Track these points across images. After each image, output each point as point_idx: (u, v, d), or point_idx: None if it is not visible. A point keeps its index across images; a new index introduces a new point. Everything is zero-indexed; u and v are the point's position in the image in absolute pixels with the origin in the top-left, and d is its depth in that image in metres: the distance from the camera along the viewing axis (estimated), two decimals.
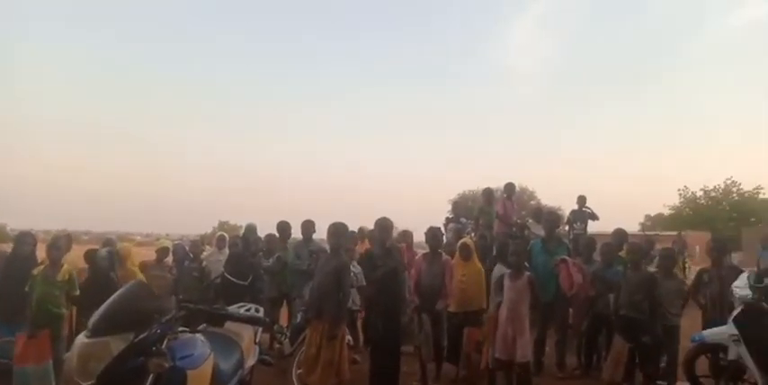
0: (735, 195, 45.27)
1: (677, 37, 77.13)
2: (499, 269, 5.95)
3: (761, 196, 44.96)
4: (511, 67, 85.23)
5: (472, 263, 6.15)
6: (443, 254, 6.25)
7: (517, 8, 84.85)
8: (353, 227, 7.80)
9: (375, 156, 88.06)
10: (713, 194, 45.86)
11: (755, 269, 5.95)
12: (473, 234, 8.82)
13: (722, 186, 45.49)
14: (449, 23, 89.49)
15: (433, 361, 5.97)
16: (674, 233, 19.44)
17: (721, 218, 42.23)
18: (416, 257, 6.63)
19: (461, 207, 15.52)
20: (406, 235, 7.49)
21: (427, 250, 6.35)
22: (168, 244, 7.97)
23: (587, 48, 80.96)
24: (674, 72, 75.47)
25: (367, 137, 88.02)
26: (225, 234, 8.73)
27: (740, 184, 44.91)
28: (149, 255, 8.06)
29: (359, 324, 6.96)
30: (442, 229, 8.05)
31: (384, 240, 5.54)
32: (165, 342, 2.79)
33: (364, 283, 6.83)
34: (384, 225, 5.53)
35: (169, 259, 7.67)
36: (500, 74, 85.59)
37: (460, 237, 7.01)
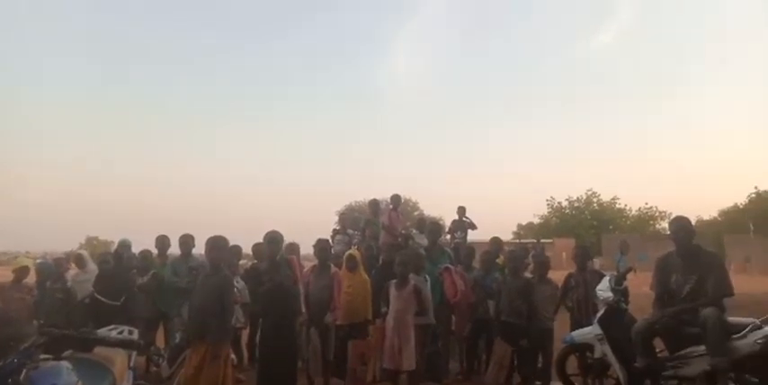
0: (595, 205, 49.70)
1: (542, 57, 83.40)
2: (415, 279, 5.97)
3: (617, 206, 49.73)
4: (394, 81, 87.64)
5: (358, 274, 6.18)
6: (332, 266, 6.23)
7: (392, 27, 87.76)
8: (238, 240, 7.56)
9: (261, 168, 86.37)
10: (576, 204, 50.01)
11: (615, 272, 6.50)
12: (360, 245, 8.87)
13: (584, 197, 49.76)
14: (323, 36, 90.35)
15: (321, 376, 5.90)
16: (549, 240, 20.85)
17: (584, 226, 46.09)
18: (304, 270, 6.55)
19: (348, 218, 15.59)
20: (293, 248, 7.38)
21: (315, 262, 6.30)
22: (28, 262, 7.24)
23: (461, 65, 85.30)
24: (540, 89, 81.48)
25: (252, 149, 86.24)
26: (83, 252, 8.11)
27: (599, 195, 49.45)
28: (5, 275, 7.28)
29: (242, 342, 6.73)
30: (330, 241, 8.02)
31: (273, 254, 5.42)
32: (23, 372, 2.51)
33: (248, 300, 6.62)
34: (273, 238, 5.41)
35: (30, 279, 6.97)
36: (383, 88, 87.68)
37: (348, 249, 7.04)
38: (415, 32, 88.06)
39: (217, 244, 5.01)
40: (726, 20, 76.03)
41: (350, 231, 9.80)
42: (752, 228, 36.96)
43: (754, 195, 42.42)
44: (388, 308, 5.62)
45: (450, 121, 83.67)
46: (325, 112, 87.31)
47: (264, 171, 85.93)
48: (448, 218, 15.11)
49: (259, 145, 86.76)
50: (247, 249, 7.94)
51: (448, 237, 10.46)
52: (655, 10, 79.22)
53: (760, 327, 4.53)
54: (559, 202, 50.54)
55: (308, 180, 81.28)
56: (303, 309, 5.69)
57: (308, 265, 6.82)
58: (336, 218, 12.16)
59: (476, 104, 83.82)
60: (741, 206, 43.55)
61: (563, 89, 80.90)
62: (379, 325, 5.68)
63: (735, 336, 4.52)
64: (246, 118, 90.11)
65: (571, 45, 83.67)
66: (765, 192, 41.82)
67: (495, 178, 79.35)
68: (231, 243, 5.95)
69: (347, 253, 6.51)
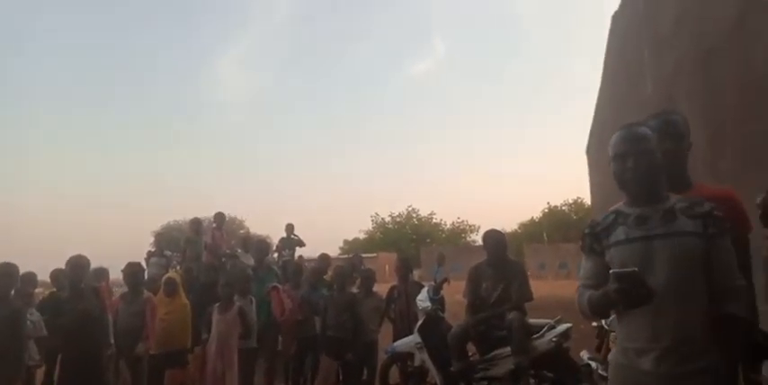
0: (415, 220, 52.66)
1: (364, 84, 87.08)
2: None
3: (434, 220, 53.26)
4: (217, 101, 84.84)
5: (177, 298, 5.78)
6: (145, 291, 5.75)
7: (220, 48, 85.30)
8: (31, 266, 6.65)
9: (68, 182, 77.40)
10: (398, 219, 52.55)
11: (433, 283, 6.90)
12: (179, 267, 8.35)
13: (405, 212, 52.54)
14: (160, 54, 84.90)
15: None
16: (373, 255, 21.51)
17: (405, 239, 48.48)
18: (114, 298, 5.96)
19: (166, 239, 14.64)
20: (101, 273, 6.68)
21: (126, 289, 5.76)
22: None
23: (287, 85, 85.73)
24: (367, 111, 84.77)
25: (61, 165, 77.10)
26: None
27: (418, 211, 52.57)
28: None
29: (36, 383, 5.90)
30: (143, 264, 7.42)
31: (77, 280, 4.82)
32: None
33: (45, 333, 5.84)
34: (77, 263, 4.82)
35: None
36: (207, 107, 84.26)
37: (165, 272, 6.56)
38: (245, 50, 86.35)
39: (4, 272, 4.37)
40: (527, 52, 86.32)
41: (167, 252, 9.21)
42: (546, 238, 41.99)
43: (547, 210, 48.45)
44: (209, 334, 5.34)
45: (280, 139, 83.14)
46: (146, 123, 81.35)
47: (73, 186, 77.16)
48: (275, 235, 14.92)
49: (65, 155, 77.79)
50: (44, 276, 7.05)
51: (275, 255, 10.31)
52: (466, 42, 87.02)
53: (554, 327, 5.10)
54: (383, 218, 52.76)
55: (121, 197, 74.72)
56: (112, 341, 5.16)
57: (118, 292, 6.22)
58: (153, 238, 11.33)
59: (304, 123, 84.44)
60: (537, 219, 49.25)
61: (388, 111, 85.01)
62: (199, 352, 5.36)
63: (534, 337, 5.04)
64: (55, 128, 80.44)
65: (395, 70, 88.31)
66: (556, 207, 48.02)
67: (323, 195, 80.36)
68: (23, 270, 5.22)
69: (165, 276, 6.07)
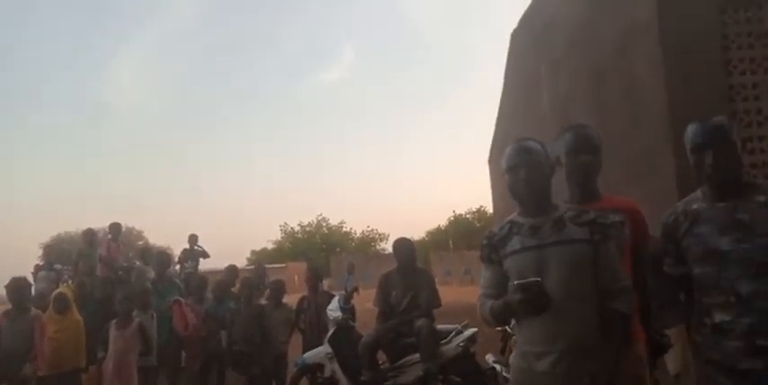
0: (325, 229, 52.41)
1: (272, 91, 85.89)
2: None
3: (344, 229, 53.27)
4: (115, 105, 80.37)
5: (69, 315, 5.39)
6: (32, 308, 5.31)
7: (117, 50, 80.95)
8: None
9: None
10: (308, 229, 52.09)
11: (343, 292, 6.89)
12: (71, 281, 7.80)
13: (315, 221, 52.18)
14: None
15: None
16: (282, 265, 21.15)
17: (315, 249, 48.10)
18: None
19: (56, 251, 13.68)
20: None
21: (10, 306, 5.30)
22: None
23: (191, 89, 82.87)
24: (271, 118, 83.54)
25: None
26: None
27: (329, 220, 52.39)
28: None
29: None
30: (31, 279, 6.87)
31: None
32: None
33: None
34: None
35: None
36: (103, 111, 79.46)
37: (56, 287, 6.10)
38: (144, 51, 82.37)
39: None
40: (434, 63, 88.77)
41: (57, 266, 8.58)
42: (452, 245, 43.21)
43: (452, 218, 49.88)
44: (106, 352, 5.02)
45: (183, 146, 79.95)
46: (35, 127, 75.40)
47: None
48: (177, 247, 14.30)
49: None
50: None
51: (177, 267, 9.89)
52: (375, 51, 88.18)
53: (461, 332, 5.26)
54: (292, 227, 52.08)
55: (4, 206, 68.70)
56: None
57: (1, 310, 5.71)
58: (41, 251, 10.54)
59: (209, 130, 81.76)
60: (443, 227, 50.58)
61: (297, 119, 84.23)
62: (94, 372, 5.03)
63: (442, 342, 5.16)
64: None
65: (305, 77, 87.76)
66: (461, 215, 49.55)
67: (229, 205, 78.07)
68: None
69: (56, 291, 5.64)
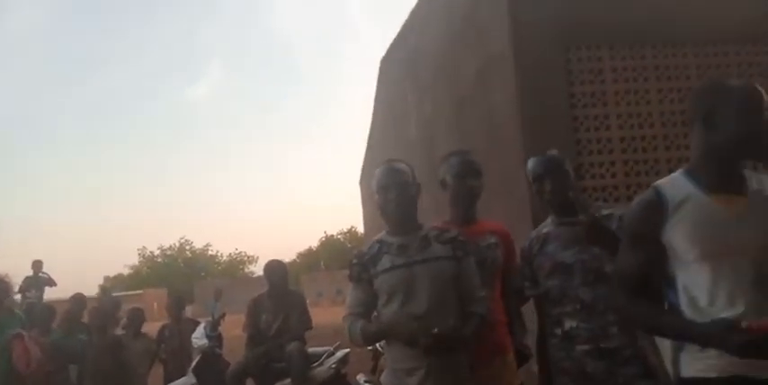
0: (188, 252, 49.80)
1: (136, 104, 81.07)
2: None
3: (209, 252, 51.00)
4: None
5: None
6: None
7: None
8: None
9: None
10: (169, 253, 49.18)
11: (210, 319, 6.58)
12: None
13: (177, 245, 49.42)
14: None
15: None
16: (139, 292, 19.69)
17: (177, 274, 45.49)
18: None
19: None
20: None
21: None
22: None
23: (40, 100, 75.83)
24: (133, 134, 78.54)
25: None
26: None
27: (192, 243, 49.88)
28: None
29: None
30: None
31: None
32: None
33: None
34: None
35: None
36: None
37: None
38: None
39: None
40: (308, 84, 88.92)
41: None
42: (323, 266, 43.09)
43: (324, 239, 49.81)
44: None
45: (26, 164, 72.32)
46: None
47: None
48: (18, 274, 12.82)
49: None
50: None
51: (18, 296, 8.87)
52: (242, 71, 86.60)
53: (333, 353, 5.24)
54: (152, 252, 48.89)
55: None
56: None
57: None
58: None
59: (61, 147, 74.87)
60: (314, 248, 50.32)
61: (156, 136, 79.86)
62: None
63: (314, 365, 5.10)
64: None
65: (164, 95, 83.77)
66: (332, 236, 49.67)
67: (80, 229, 71.57)
68: None
69: None
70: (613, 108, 4.97)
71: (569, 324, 2.13)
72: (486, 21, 5.52)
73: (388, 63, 9.73)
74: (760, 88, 1.56)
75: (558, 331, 2.18)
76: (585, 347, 2.09)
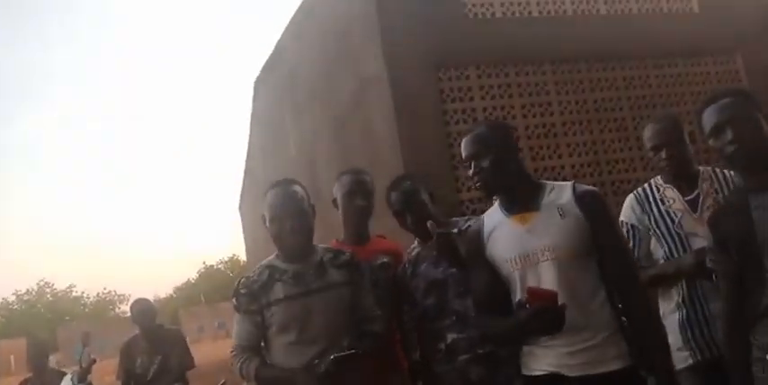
0: (49, 296, 45.27)
1: None
2: None
3: (74, 294, 46.68)
4: None
5: None
6: None
7: None
8: None
9: None
10: (27, 298, 44.42)
11: (77, 368, 5.93)
12: None
13: (35, 288, 44.75)
14: None
15: None
16: None
17: (37, 320, 41.16)
18: None
19: None
20: None
21: None
22: None
23: None
24: None
25: None
26: None
27: (53, 285, 45.43)
28: None
29: None
30: None
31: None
32: None
33: None
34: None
35: None
36: None
37: None
38: None
39: None
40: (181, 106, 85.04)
41: None
42: (203, 299, 41.00)
43: (203, 270, 47.49)
44: None
45: None
46: None
47: None
48: None
49: None
50: None
51: None
52: (95, 97, 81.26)
53: None
54: (5, 298, 43.83)
55: None
56: None
57: None
58: None
59: None
60: (193, 281, 47.86)
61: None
62: None
63: None
64: None
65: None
66: (212, 266, 47.52)
67: None
68: None
69: None
70: None
71: (450, 337, 2.17)
72: (359, 42, 5.61)
73: (262, 84, 9.56)
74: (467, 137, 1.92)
75: (442, 345, 2.20)
76: (466, 356, 2.14)
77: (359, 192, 2.50)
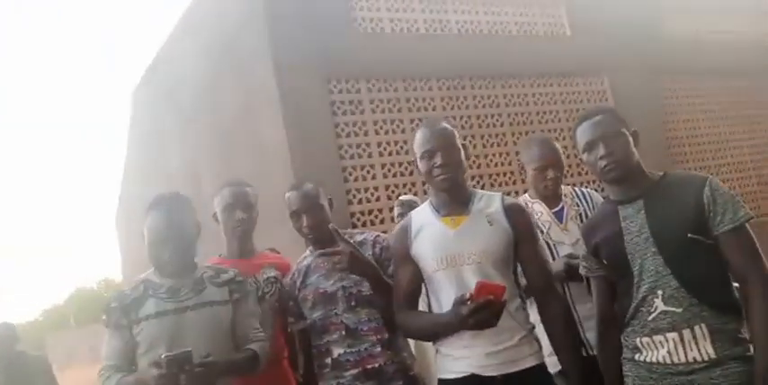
0: None
1: None
2: None
3: None
4: None
5: None
6: None
7: None
8: None
9: None
10: None
11: None
12: None
13: None
14: None
15: None
16: None
17: None
18: None
19: None
20: None
21: None
22: None
23: None
24: None
25: None
26: None
27: None
28: None
29: None
30: None
31: None
32: None
33: None
34: None
35: None
36: None
37: None
38: None
39: None
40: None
41: None
42: (73, 322, 37.75)
43: (74, 291, 43.85)
44: None
45: None
46: None
47: None
48: None
49: None
50: None
51: None
52: None
53: None
54: None
55: None
56: None
57: None
58: None
59: None
60: (63, 303, 44.02)
61: None
62: None
63: None
64: None
65: None
66: (84, 287, 44.03)
67: None
68: None
69: None
70: (373, 137, 5.28)
71: (337, 351, 2.13)
72: (248, 52, 5.48)
73: (142, 93, 9.05)
74: (426, 130, 1.93)
75: (328, 360, 2.16)
76: (354, 371, 2.10)
77: (239, 204, 2.40)
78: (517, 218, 1.87)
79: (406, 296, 1.91)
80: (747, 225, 1.63)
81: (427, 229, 1.88)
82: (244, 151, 5.78)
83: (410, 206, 3.33)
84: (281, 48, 5.02)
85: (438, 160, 1.84)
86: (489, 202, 1.90)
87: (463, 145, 1.94)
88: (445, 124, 1.97)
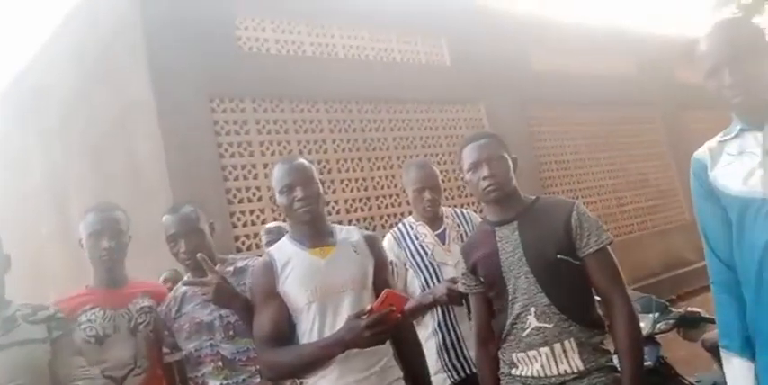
0: None
1: None
2: None
3: None
4: None
5: None
6: None
7: None
8: None
9: None
10: None
11: None
12: None
13: None
14: None
15: None
16: None
17: None
18: None
19: None
20: None
21: None
22: None
23: None
24: None
25: None
26: None
27: None
28: None
29: None
30: None
31: None
32: None
33: None
34: None
35: None
36: None
37: None
38: None
39: None
40: None
41: None
42: None
43: None
44: None
45: None
46: None
47: None
48: None
49: None
50: None
51: None
52: None
53: None
54: None
55: None
56: None
57: None
58: None
59: None
60: None
61: None
62: None
63: None
64: None
65: None
66: None
67: None
68: None
69: None
70: (259, 158, 5.18)
71: (213, 384, 2.06)
72: (123, 63, 5.17)
73: (2, 102, 8.22)
74: (285, 165, 1.95)
75: None
76: None
77: (107, 231, 2.20)
78: (376, 247, 2.00)
79: (272, 335, 1.82)
80: (609, 247, 1.78)
81: (295, 262, 1.86)
82: (117, 169, 5.41)
83: (279, 233, 3.21)
84: (159, 58, 4.78)
85: (298, 194, 1.86)
86: (350, 233, 1.98)
87: (320, 180, 1.97)
88: (302, 160, 1.99)
